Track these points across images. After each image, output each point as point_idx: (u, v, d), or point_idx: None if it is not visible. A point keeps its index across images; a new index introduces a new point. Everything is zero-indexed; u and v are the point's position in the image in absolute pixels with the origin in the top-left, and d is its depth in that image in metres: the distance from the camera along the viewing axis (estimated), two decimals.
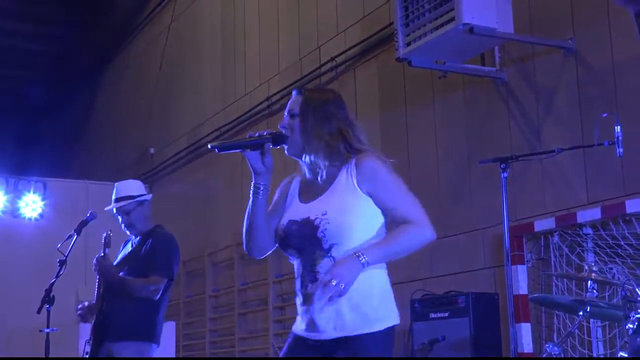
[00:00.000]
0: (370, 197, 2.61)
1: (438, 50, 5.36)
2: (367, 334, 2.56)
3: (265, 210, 2.73)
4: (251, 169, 2.71)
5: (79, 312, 4.71)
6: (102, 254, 4.53)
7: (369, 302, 2.57)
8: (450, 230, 5.86)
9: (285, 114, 2.75)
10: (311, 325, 2.64)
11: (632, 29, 4.71)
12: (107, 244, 4.58)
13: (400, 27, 5.37)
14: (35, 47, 14.53)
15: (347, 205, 2.59)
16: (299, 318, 2.73)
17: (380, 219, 2.65)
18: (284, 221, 2.70)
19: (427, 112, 6.37)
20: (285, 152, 2.75)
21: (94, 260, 4.54)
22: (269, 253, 2.81)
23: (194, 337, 9.56)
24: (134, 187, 4.82)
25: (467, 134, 6.01)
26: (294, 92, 2.79)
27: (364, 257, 2.49)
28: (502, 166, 4.28)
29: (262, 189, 2.70)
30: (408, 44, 5.34)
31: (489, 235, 5.65)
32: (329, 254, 2.58)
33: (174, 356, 8.10)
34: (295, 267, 2.70)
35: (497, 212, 4.62)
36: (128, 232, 4.79)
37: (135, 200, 4.72)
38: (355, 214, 2.59)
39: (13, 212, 9.67)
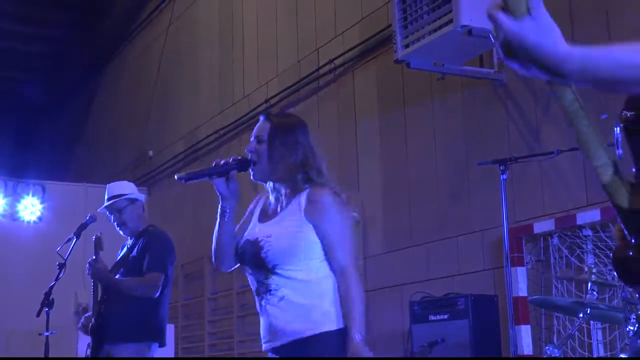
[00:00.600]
0: (314, 228, 2.76)
1: (436, 52, 5.36)
2: (316, 334, 2.71)
3: (231, 231, 2.93)
4: (218, 193, 2.91)
5: (79, 325, 4.70)
6: (94, 257, 4.50)
7: (320, 307, 2.73)
8: (449, 232, 5.86)
9: (252, 138, 2.90)
10: (267, 333, 2.84)
11: (630, 32, 4.72)
12: (98, 246, 4.56)
13: (398, 29, 5.37)
14: (33, 48, 14.54)
15: (290, 230, 2.76)
16: (261, 333, 2.92)
17: (312, 239, 2.79)
18: (242, 240, 2.91)
19: (426, 113, 6.37)
20: (251, 177, 2.91)
21: (87, 264, 4.52)
22: (235, 267, 3.01)
23: (193, 340, 9.55)
24: (125, 186, 4.84)
25: (465, 135, 6.01)
26: (261, 117, 2.94)
27: (358, 336, 2.66)
28: (501, 168, 4.28)
29: (227, 211, 2.91)
30: (406, 46, 5.34)
31: (488, 237, 5.64)
32: (275, 271, 2.77)
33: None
34: (250, 281, 2.90)
35: (496, 213, 4.62)
36: (121, 232, 4.77)
37: (126, 197, 4.71)
38: (296, 239, 2.75)
39: (12, 215, 9.66)
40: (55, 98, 15.66)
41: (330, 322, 2.71)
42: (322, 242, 2.76)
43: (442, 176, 6.16)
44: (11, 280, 9.45)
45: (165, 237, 4.75)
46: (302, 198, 2.78)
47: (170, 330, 7.39)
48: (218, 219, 2.92)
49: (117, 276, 4.65)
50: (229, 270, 3.05)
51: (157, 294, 4.54)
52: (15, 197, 9.64)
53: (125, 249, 4.79)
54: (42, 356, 4.92)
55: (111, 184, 4.87)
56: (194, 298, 9.65)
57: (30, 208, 9.71)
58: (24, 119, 16.59)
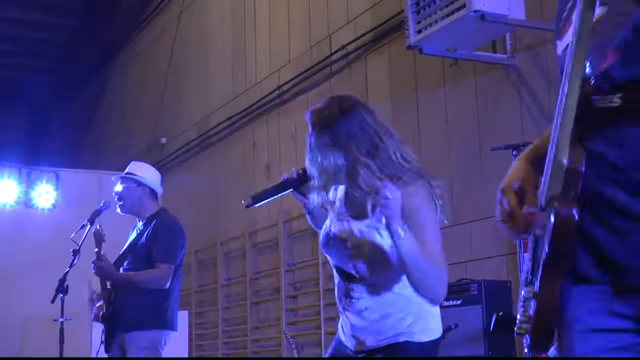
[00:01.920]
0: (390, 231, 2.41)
1: (449, 38, 5.34)
2: (397, 343, 2.55)
3: (322, 216, 2.77)
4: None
5: (93, 313, 4.73)
6: (97, 256, 4.50)
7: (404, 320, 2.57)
8: (462, 218, 5.85)
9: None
10: (346, 333, 2.67)
11: None
12: (99, 239, 4.55)
13: (411, 14, 5.35)
14: (45, 37, 14.56)
15: (381, 237, 2.50)
16: (339, 327, 2.75)
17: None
18: (325, 227, 2.69)
19: (439, 99, 6.35)
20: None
21: (92, 264, 4.53)
22: None
23: (207, 327, 9.60)
24: (141, 168, 4.84)
25: (478, 121, 5.99)
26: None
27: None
28: (514, 153, 4.27)
29: (311, 209, 2.78)
30: (419, 32, 5.32)
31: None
32: (361, 278, 2.58)
33: (187, 345, 8.13)
34: (334, 273, 2.72)
35: None
36: (118, 208, 4.76)
37: (134, 177, 4.71)
38: (382, 250, 2.50)
39: (26, 202, 9.71)
40: (67, 86, 15.69)
41: (413, 334, 2.55)
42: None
43: (454, 162, 6.14)
44: (26, 267, 9.51)
45: (174, 224, 4.74)
46: (382, 199, 2.33)
47: (183, 316, 7.44)
48: (307, 214, 2.87)
49: (125, 262, 4.67)
50: None
51: (168, 284, 4.56)
52: (29, 184, 9.68)
53: (134, 233, 4.80)
54: (57, 343, 4.95)
55: (135, 162, 4.90)
56: (208, 285, 9.69)
57: (45, 195, 9.75)
58: (37, 107, 16.65)
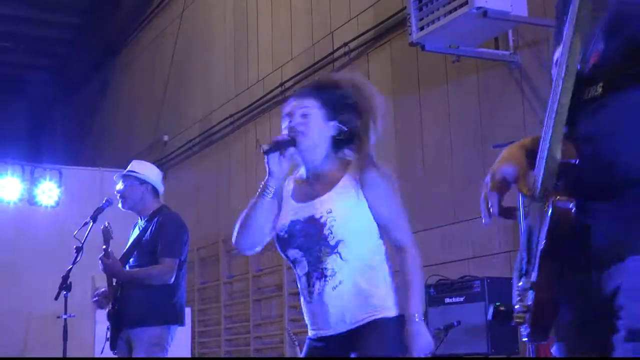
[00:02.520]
0: (370, 207, 2.64)
1: (451, 34, 5.34)
2: (375, 320, 2.58)
3: (268, 211, 2.73)
4: (267, 170, 2.73)
5: (94, 299, 4.74)
6: (104, 252, 4.51)
7: (378, 292, 2.61)
8: (465, 215, 5.85)
9: (288, 114, 2.77)
10: (320, 321, 2.68)
11: None
12: (107, 236, 4.56)
13: (413, 11, 5.35)
14: (48, 34, 14.57)
15: (352, 206, 2.62)
16: (307, 318, 2.76)
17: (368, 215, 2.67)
18: (284, 222, 2.71)
19: (441, 96, 6.35)
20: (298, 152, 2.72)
21: (99, 260, 4.54)
22: (256, 251, 2.87)
23: (209, 324, 9.61)
24: (142, 167, 4.85)
25: (480, 117, 5.99)
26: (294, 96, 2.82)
27: (417, 317, 2.56)
28: None
29: (269, 190, 2.72)
30: (421, 28, 5.32)
31: (503, 219, 5.61)
32: (336, 251, 2.60)
33: (189, 342, 8.15)
34: (298, 266, 2.70)
35: (512, 196, 4.60)
36: (119, 204, 4.78)
37: (136, 175, 4.73)
38: (359, 215, 2.62)
39: (30, 200, 9.72)
40: (70, 84, 15.70)
41: (388, 309, 2.59)
42: (377, 220, 2.65)
43: (456, 158, 6.14)
44: (29, 264, 9.52)
45: (177, 219, 4.75)
46: (354, 173, 2.64)
47: (186, 314, 7.45)
48: (257, 197, 2.73)
49: (131, 259, 4.68)
50: (249, 254, 2.92)
51: (173, 279, 4.57)
52: (32, 181, 9.70)
53: (137, 230, 4.81)
54: (61, 340, 4.96)
55: (136, 160, 4.91)
56: (210, 282, 9.70)
57: (48, 193, 9.77)
58: (40, 104, 16.67)
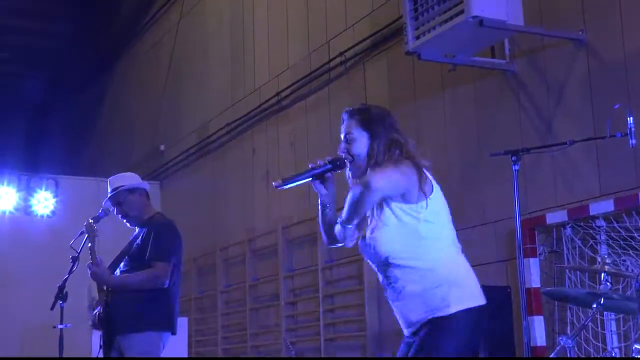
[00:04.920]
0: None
1: (448, 43, 5.34)
2: (429, 319, 2.72)
3: (331, 220, 3.01)
4: (317, 192, 2.98)
5: (90, 323, 4.73)
6: (92, 260, 4.49)
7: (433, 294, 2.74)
8: (462, 223, 5.81)
9: (342, 138, 2.92)
10: (400, 323, 2.89)
11: None
12: (91, 232, 4.54)
13: (409, 20, 5.35)
14: (44, 44, 14.57)
15: (388, 223, 2.79)
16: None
17: (410, 221, 2.77)
18: (361, 234, 2.94)
19: (437, 105, 6.36)
20: (350, 176, 2.94)
21: (87, 268, 4.53)
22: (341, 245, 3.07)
23: (206, 333, 9.59)
24: (123, 177, 4.86)
25: (477, 126, 6.00)
26: (344, 115, 2.95)
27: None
28: (513, 159, 4.26)
29: (327, 206, 3.00)
30: (417, 37, 5.32)
31: (500, 228, 5.63)
32: (389, 263, 2.80)
33: (186, 352, 8.12)
34: (378, 274, 2.93)
35: (509, 205, 4.60)
36: (128, 224, 4.78)
37: (124, 188, 4.72)
38: (395, 229, 2.78)
39: (25, 209, 9.71)
40: (66, 93, 15.70)
41: (444, 308, 2.71)
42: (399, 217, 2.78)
43: (454, 167, 6.14)
44: (25, 274, 9.51)
45: (169, 225, 4.74)
46: None
47: (183, 323, 7.44)
48: (320, 210, 3.01)
49: (122, 264, 4.66)
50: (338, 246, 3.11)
51: (167, 283, 4.54)
52: (28, 191, 9.69)
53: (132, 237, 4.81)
54: (57, 350, 4.94)
55: (112, 177, 4.90)
56: (207, 291, 9.68)
57: (44, 202, 9.75)
58: (36, 114, 16.66)
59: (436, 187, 2.85)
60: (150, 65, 12.12)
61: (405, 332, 2.87)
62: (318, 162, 2.91)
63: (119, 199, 4.74)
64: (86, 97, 15.11)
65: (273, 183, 2.96)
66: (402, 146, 2.84)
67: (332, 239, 3.04)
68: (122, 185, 4.76)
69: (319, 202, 3.00)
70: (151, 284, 4.52)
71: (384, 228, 2.78)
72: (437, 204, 2.81)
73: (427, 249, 2.76)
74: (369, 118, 2.88)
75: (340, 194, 3.02)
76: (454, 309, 2.70)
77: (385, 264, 2.81)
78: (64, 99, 15.89)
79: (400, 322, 2.88)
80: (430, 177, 2.83)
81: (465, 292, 2.75)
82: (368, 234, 2.84)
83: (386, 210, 2.78)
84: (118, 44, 13.25)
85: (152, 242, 4.57)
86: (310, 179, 2.92)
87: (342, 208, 2.92)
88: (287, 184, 2.92)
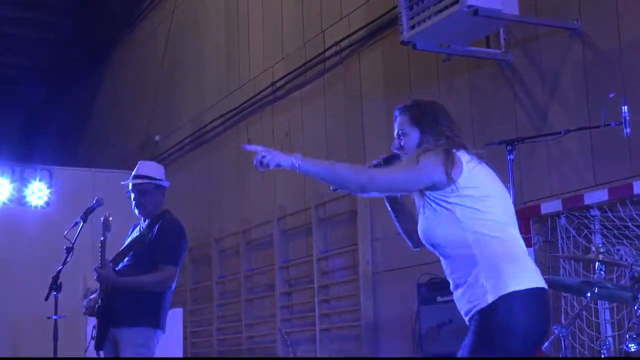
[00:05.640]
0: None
1: (443, 33, 5.33)
2: (475, 311, 2.68)
3: (404, 216, 3.04)
4: None
5: (84, 311, 4.72)
6: (100, 264, 4.49)
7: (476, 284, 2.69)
8: None
9: (395, 135, 2.99)
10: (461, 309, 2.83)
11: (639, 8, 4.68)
12: (106, 227, 4.54)
13: (404, 10, 5.34)
14: (37, 35, 14.50)
15: (427, 214, 2.82)
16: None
17: (443, 208, 2.77)
18: None
19: (432, 95, 6.34)
20: None
21: (93, 270, 4.52)
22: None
23: (202, 324, 9.59)
24: (155, 169, 4.83)
25: (472, 116, 5.99)
26: (396, 112, 3.03)
27: (298, 161, 2.77)
28: (508, 148, 4.26)
29: (395, 204, 3.02)
30: (412, 27, 5.31)
31: None
32: (439, 253, 2.85)
33: (181, 343, 8.12)
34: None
35: None
36: (137, 211, 4.77)
37: (153, 182, 4.72)
38: (433, 216, 2.80)
39: (19, 200, 9.68)
40: (60, 84, 15.64)
41: (485, 299, 2.65)
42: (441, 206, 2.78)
43: None
44: (19, 265, 9.49)
45: (179, 227, 4.74)
46: None
47: (178, 314, 7.44)
48: (390, 211, 3.05)
49: (126, 259, 4.66)
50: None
51: (174, 286, 4.57)
52: (22, 182, 9.65)
53: (137, 230, 4.78)
54: (52, 341, 4.93)
55: (143, 162, 4.90)
56: (202, 282, 9.68)
57: (38, 193, 9.72)
58: (30, 105, 16.60)
59: (477, 171, 2.79)
60: (145, 55, 12.08)
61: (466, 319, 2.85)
62: (373, 162, 2.96)
63: (146, 189, 4.71)
64: (81, 88, 15.06)
65: (330, 187, 2.95)
66: (451, 139, 2.85)
67: (417, 239, 2.97)
68: (153, 178, 4.73)
69: (387, 204, 3.02)
70: (158, 288, 4.53)
71: (425, 217, 2.81)
72: (474, 187, 2.76)
73: (464, 235, 2.73)
74: (420, 114, 2.93)
75: None
76: (491, 297, 2.63)
77: (437, 253, 2.85)
78: (58, 89, 15.83)
79: (461, 311, 2.84)
80: (469, 161, 2.79)
81: (505, 278, 2.65)
82: (420, 226, 2.86)
83: (425, 200, 2.80)
84: (113, 34, 13.21)
85: (164, 244, 4.57)
86: None
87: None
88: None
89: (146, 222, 4.75)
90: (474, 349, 2.63)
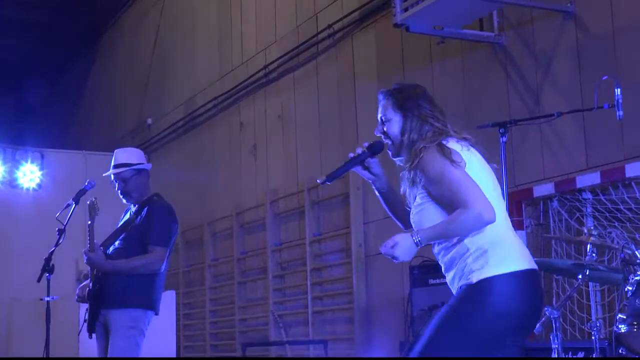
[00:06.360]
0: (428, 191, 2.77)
1: (436, 16, 5.32)
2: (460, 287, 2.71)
3: (395, 200, 3.00)
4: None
5: (76, 298, 4.72)
6: (89, 247, 4.48)
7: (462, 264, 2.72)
8: None
9: (378, 120, 2.94)
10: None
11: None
12: (93, 211, 4.51)
13: None
14: (28, 16, 14.40)
15: (419, 202, 2.79)
16: None
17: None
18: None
19: (426, 77, 6.34)
20: (391, 156, 2.95)
21: (83, 254, 4.51)
22: None
23: (194, 306, 9.61)
24: (132, 155, 4.80)
25: (465, 99, 5.99)
26: (380, 96, 2.95)
27: (417, 237, 2.68)
28: (500, 131, 4.26)
29: (383, 190, 3.01)
30: (406, 10, 5.29)
31: None
32: (434, 246, 2.82)
33: (174, 325, 8.13)
34: None
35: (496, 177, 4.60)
36: (124, 201, 4.77)
37: (132, 168, 4.69)
38: (424, 208, 2.78)
39: (11, 182, 9.65)
40: (52, 66, 15.56)
41: (471, 277, 2.66)
42: (437, 201, 2.73)
43: None
44: (11, 247, 9.47)
45: (169, 208, 4.72)
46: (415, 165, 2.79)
47: (171, 296, 7.44)
48: (380, 198, 3.03)
49: (116, 242, 4.65)
50: None
51: (163, 267, 4.56)
52: (14, 164, 9.63)
53: (128, 215, 4.78)
54: (44, 322, 4.93)
55: (119, 150, 4.81)
56: (195, 265, 9.68)
57: (29, 175, 9.70)
58: (21, 87, 16.51)
59: (470, 158, 2.77)
60: (136, 38, 12.02)
61: None
62: (357, 151, 2.94)
63: (126, 176, 4.70)
64: (72, 71, 14.99)
65: (317, 180, 2.95)
66: (434, 124, 2.83)
67: (408, 222, 2.93)
68: (131, 164, 4.71)
69: (375, 191, 3.01)
70: (147, 270, 4.52)
71: (418, 206, 2.79)
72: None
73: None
74: (402, 98, 2.89)
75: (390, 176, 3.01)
76: (476, 278, 2.64)
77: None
78: (50, 72, 15.75)
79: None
80: (462, 149, 2.77)
81: (493, 261, 2.66)
82: (413, 218, 2.83)
83: (418, 189, 2.78)
84: (104, 17, 13.13)
85: (152, 226, 4.55)
86: (352, 168, 2.95)
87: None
88: (332, 179, 2.93)
89: (135, 207, 4.75)
90: (444, 317, 2.66)
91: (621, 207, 4.69)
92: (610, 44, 4.92)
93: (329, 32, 7.40)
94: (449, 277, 2.79)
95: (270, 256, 8.12)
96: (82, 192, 4.78)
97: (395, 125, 2.88)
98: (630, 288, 3.35)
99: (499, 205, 2.80)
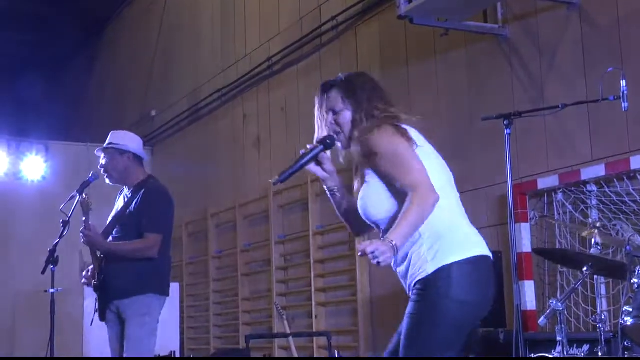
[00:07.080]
0: (374, 171, 2.71)
1: (440, 8, 5.31)
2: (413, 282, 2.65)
3: (347, 204, 2.91)
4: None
5: (83, 280, 4.73)
6: (85, 226, 4.49)
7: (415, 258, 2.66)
8: None
9: (327, 113, 2.86)
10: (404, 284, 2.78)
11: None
12: (86, 209, 4.53)
13: None
14: (32, 9, 14.39)
15: (367, 184, 2.73)
16: None
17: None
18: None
19: (429, 70, 6.33)
20: (341, 149, 2.88)
21: (80, 233, 4.52)
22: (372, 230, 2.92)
23: (198, 299, 9.62)
24: (122, 136, 4.85)
25: (469, 91, 5.97)
26: (324, 90, 2.88)
27: (393, 242, 2.54)
28: (505, 123, 4.23)
29: (335, 190, 2.92)
30: (410, 1, 5.27)
31: (492, 193, 5.64)
32: (380, 229, 2.75)
33: (178, 317, 8.15)
34: None
35: (500, 170, 4.59)
36: (107, 180, 4.78)
37: (116, 147, 4.72)
38: (372, 192, 2.72)
39: (15, 174, 9.68)
40: (56, 59, 15.56)
41: (422, 271, 2.60)
42: (385, 180, 2.68)
43: (445, 133, 6.12)
44: (16, 239, 9.49)
45: (164, 193, 4.73)
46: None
47: (175, 289, 7.46)
48: (330, 198, 2.95)
49: (114, 230, 4.66)
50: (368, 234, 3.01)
51: (157, 253, 4.55)
52: (18, 156, 9.65)
53: (122, 200, 4.78)
54: (49, 314, 4.94)
55: (115, 132, 4.90)
56: (198, 257, 9.69)
57: (34, 167, 9.71)
58: (26, 79, 16.51)
59: (423, 142, 2.80)
60: (140, 30, 12.01)
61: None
62: (308, 147, 2.86)
63: (109, 155, 4.74)
64: (76, 63, 14.99)
65: (270, 180, 2.90)
66: (386, 109, 2.81)
67: (359, 226, 2.88)
68: (117, 144, 4.75)
69: (326, 190, 2.93)
70: (142, 255, 4.53)
71: (366, 193, 2.73)
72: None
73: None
74: (351, 88, 2.84)
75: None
76: (431, 268, 2.59)
77: (377, 227, 2.76)
78: (54, 64, 15.75)
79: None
80: (412, 133, 2.77)
81: (446, 248, 2.62)
82: (360, 196, 2.77)
83: (367, 174, 2.73)
84: (108, 9, 13.11)
85: (146, 212, 4.56)
86: (306, 165, 2.86)
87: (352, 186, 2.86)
88: (284, 178, 2.84)
89: (130, 191, 4.75)
90: (415, 317, 2.61)
91: (626, 199, 4.68)
92: (615, 35, 4.90)
93: (333, 24, 7.38)
94: (401, 269, 2.71)
95: (274, 248, 8.13)
96: (86, 184, 4.79)
97: (346, 116, 2.82)
98: (636, 280, 3.34)
99: (451, 192, 2.80)
